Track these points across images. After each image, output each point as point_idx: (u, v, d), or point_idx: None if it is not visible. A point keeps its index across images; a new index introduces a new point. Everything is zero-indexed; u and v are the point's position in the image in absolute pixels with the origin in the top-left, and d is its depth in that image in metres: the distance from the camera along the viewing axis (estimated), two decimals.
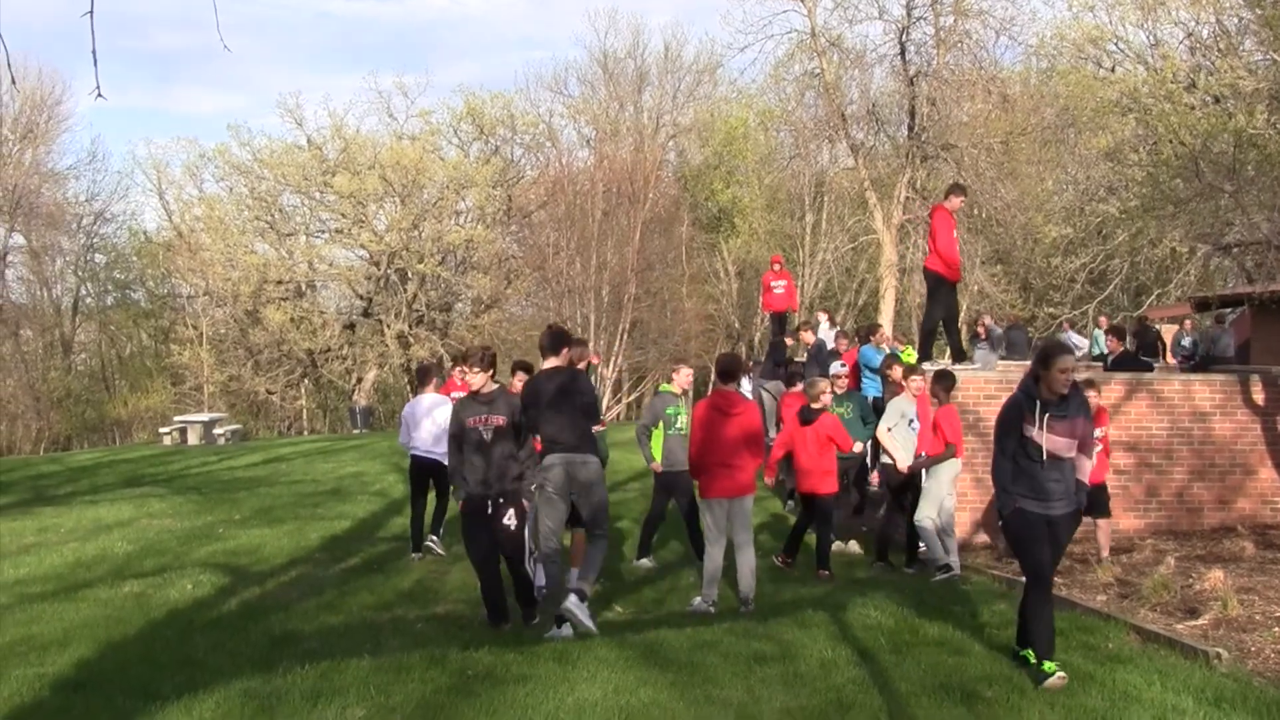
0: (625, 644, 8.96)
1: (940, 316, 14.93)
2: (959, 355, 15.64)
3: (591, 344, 40.71)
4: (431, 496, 13.54)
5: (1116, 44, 39.26)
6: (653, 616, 10.62)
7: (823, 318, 23.25)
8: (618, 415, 42.50)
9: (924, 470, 12.44)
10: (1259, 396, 14.73)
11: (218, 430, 33.27)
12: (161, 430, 34.92)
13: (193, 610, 10.68)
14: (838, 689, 7.79)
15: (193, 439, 31.64)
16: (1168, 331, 27.46)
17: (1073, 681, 7.88)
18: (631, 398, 46.51)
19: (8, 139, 44.85)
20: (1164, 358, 25.31)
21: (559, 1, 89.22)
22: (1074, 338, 24.39)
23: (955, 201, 14.68)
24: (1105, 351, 25.43)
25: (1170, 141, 35.09)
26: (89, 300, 53.09)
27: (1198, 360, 22.97)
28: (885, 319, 32.32)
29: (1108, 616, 9.87)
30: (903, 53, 35.07)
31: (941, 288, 14.59)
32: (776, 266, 24.36)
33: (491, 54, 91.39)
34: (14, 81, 5.09)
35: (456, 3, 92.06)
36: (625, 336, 42.25)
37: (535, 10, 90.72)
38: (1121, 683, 7.92)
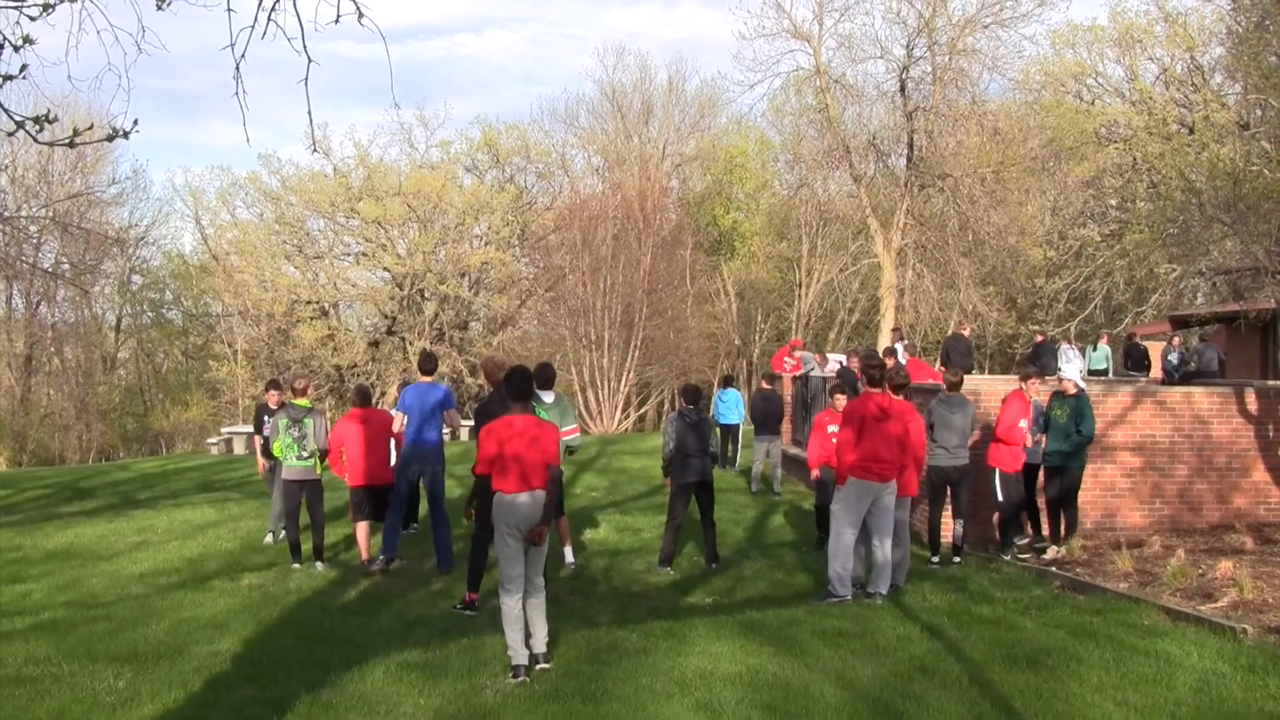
0: (721, 623, 9.99)
1: None
2: None
3: (605, 360, 42.75)
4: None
5: (1096, 79, 41.57)
6: (731, 601, 11.40)
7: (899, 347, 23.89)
8: (627, 429, 43.88)
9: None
10: (1253, 406, 15.45)
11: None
12: (209, 441, 36.06)
13: (318, 598, 11.45)
14: (918, 658, 8.82)
15: (238, 449, 33.24)
16: (1153, 348, 28.20)
17: (1121, 650, 8.96)
18: (639, 412, 47.84)
19: (58, 169, 46.72)
20: (1152, 372, 26.16)
21: (555, 41, 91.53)
22: (1070, 353, 25.85)
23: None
24: (1107, 366, 27.26)
25: (1148, 171, 37.40)
26: (128, 319, 54.61)
27: (1184, 374, 23.77)
28: (885, 339, 33.91)
29: (1136, 599, 10.68)
30: (903, 89, 36.91)
31: None
32: (796, 351, 24.68)
33: (494, 90, 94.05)
34: (76, 134, 6.17)
35: (455, 44, 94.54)
36: (636, 353, 43.77)
37: (534, 49, 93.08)
38: (1163, 652, 8.86)
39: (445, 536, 12.89)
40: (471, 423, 17.11)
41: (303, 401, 13.47)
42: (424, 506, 14.40)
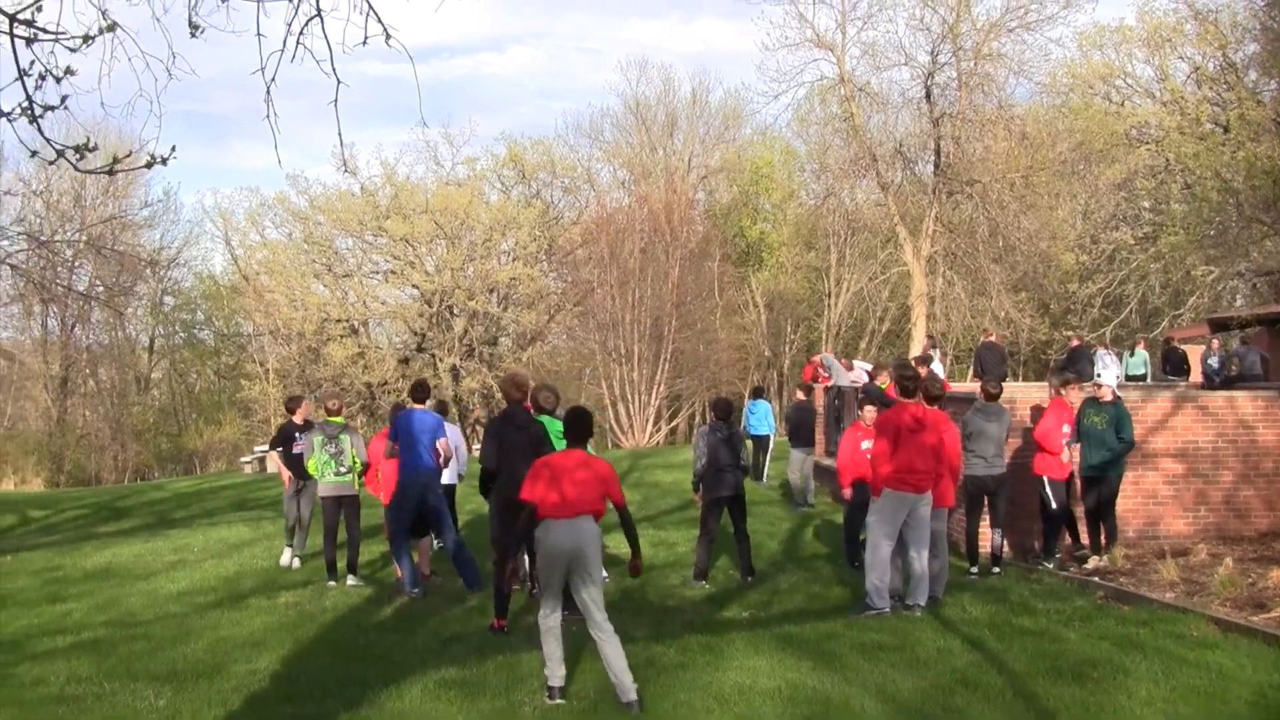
0: (758, 637, 9.93)
1: None
2: None
3: (635, 373, 42.72)
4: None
5: (1125, 80, 41.44)
6: (768, 615, 11.36)
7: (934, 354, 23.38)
8: (658, 442, 43.80)
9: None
10: None
11: None
12: (242, 460, 36.29)
13: (354, 616, 11.48)
14: (960, 671, 8.68)
15: (272, 468, 33.31)
16: (1192, 351, 27.63)
17: (1170, 663, 8.73)
18: (670, 425, 47.83)
19: (91, 193, 47.08)
20: (1191, 377, 25.65)
21: (573, 56, 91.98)
22: (1107, 358, 25.56)
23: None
24: (1145, 372, 27.00)
25: (1182, 172, 37.23)
26: (160, 340, 55.13)
27: (1226, 379, 23.20)
28: (917, 346, 33.79)
29: (1184, 610, 10.41)
30: (928, 95, 36.75)
31: None
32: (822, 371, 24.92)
33: (517, 106, 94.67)
34: (116, 162, 6.24)
35: (479, 62, 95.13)
36: (666, 366, 43.78)
37: (554, 65, 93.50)
38: (1215, 665, 8.63)
39: (463, 556, 12.78)
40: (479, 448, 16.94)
41: (337, 419, 13.49)
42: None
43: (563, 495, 8.01)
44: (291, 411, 15.54)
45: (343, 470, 13.16)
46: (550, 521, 8.02)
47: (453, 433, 14.53)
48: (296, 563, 14.71)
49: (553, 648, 8.12)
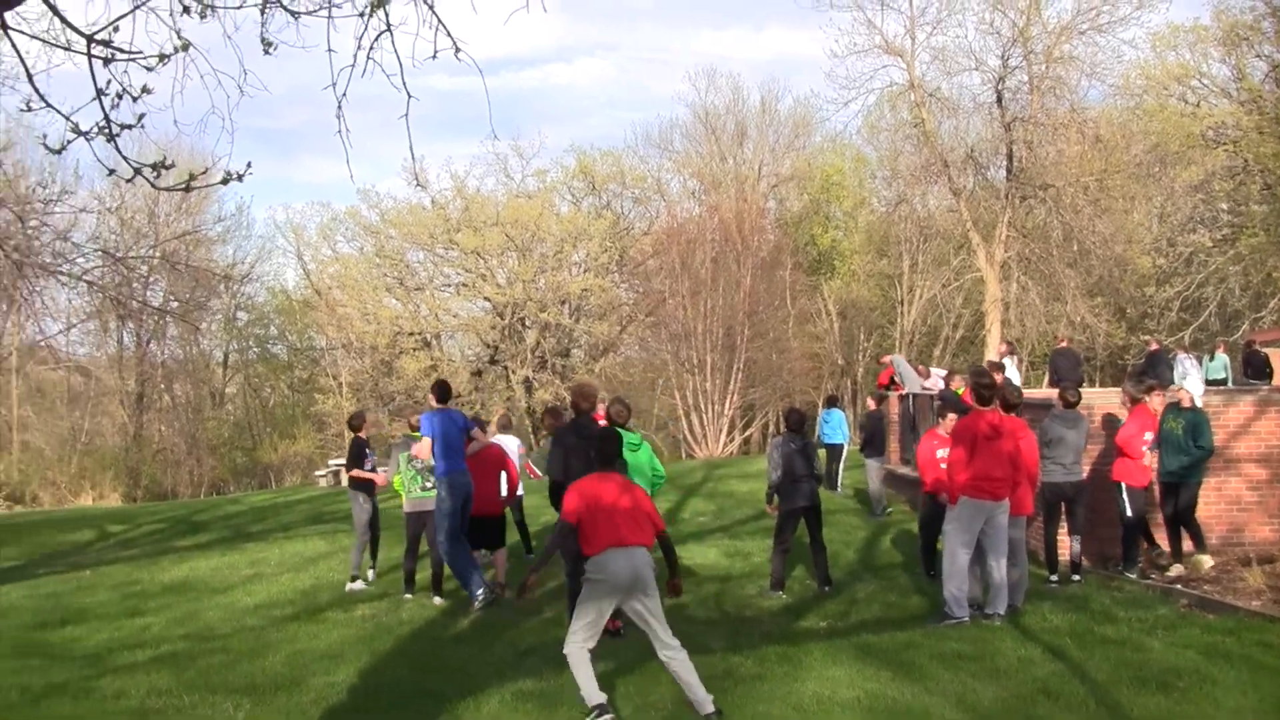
0: (836, 647, 9.82)
1: None
2: None
3: (708, 383, 42.68)
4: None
5: (1200, 80, 40.83)
6: (846, 624, 11.26)
7: (1009, 361, 23.39)
8: (732, 452, 43.68)
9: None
10: None
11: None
12: (317, 473, 36.48)
13: (430, 629, 11.47)
14: (1041, 680, 8.55)
15: (346, 481, 33.44)
16: (1274, 355, 27.06)
17: (1259, 672, 8.57)
18: (744, 435, 47.64)
19: (164, 210, 47.74)
20: (1274, 380, 25.22)
21: (644, 67, 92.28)
22: (1187, 363, 25.14)
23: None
24: (1226, 376, 26.59)
25: (1261, 172, 36.66)
26: (234, 355, 55.72)
27: None
28: (992, 353, 33.57)
29: (1272, 618, 10.27)
30: (999, 100, 36.60)
31: None
32: (888, 359, 24.85)
33: (586, 117, 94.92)
34: (193, 179, 6.28)
35: (547, 74, 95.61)
36: (739, 376, 43.66)
37: (623, 76, 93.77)
38: None
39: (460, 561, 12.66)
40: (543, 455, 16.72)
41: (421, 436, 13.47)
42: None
43: (616, 528, 7.89)
44: (357, 429, 15.16)
45: (428, 486, 13.09)
46: (609, 552, 7.87)
47: (512, 445, 14.52)
48: (359, 585, 14.34)
49: (588, 671, 7.90)
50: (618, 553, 7.85)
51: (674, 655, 7.85)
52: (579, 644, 7.90)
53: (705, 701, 7.77)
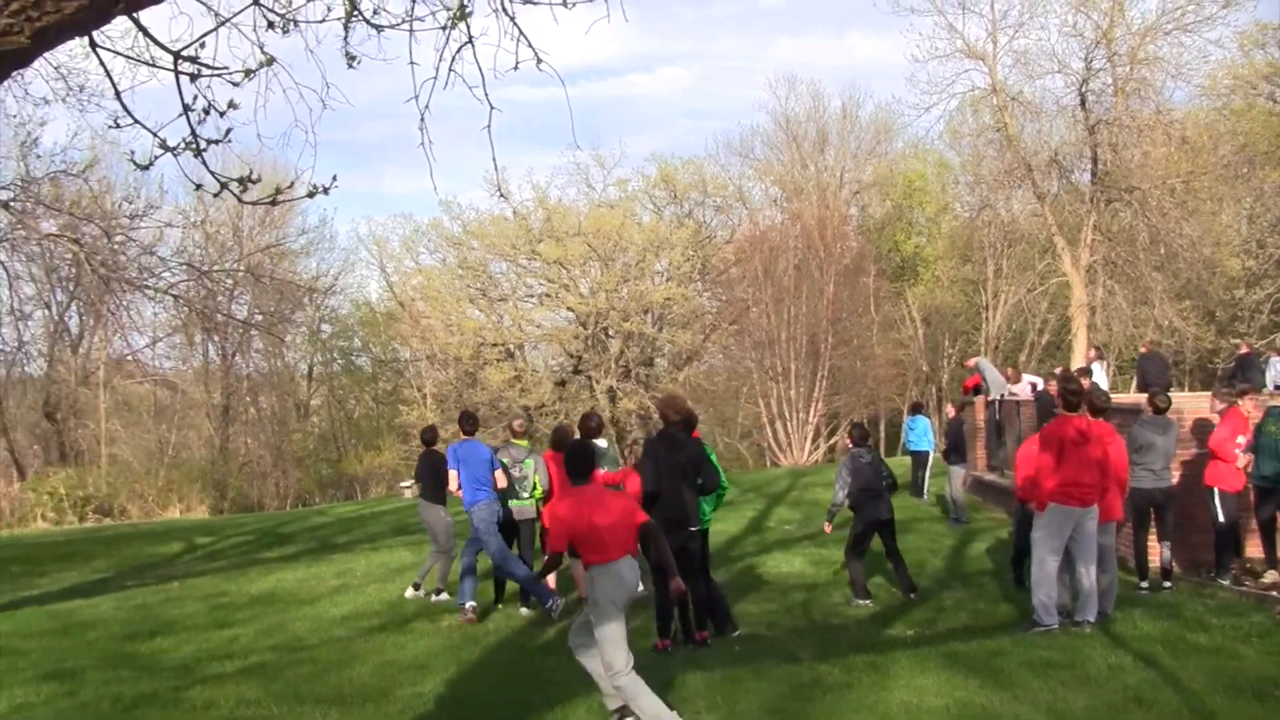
0: (924, 655, 9.66)
1: None
2: None
3: (793, 391, 42.59)
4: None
5: None
6: (933, 632, 11.32)
7: (1097, 366, 23.05)
8: (817, 460, 43.63)
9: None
10: None
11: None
12: (402, 485, 36.80)
13: (517, 638, 11.50)
14: (1133, 689, 8.35)
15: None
16: None
17: None
18: (829, 443, 47.39)
19: (248, 223, 48.43)
20: None
21: (724, 75, 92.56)
22: (1279, 364, 24.69)
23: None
24: None
25: None
26: (319, 367, 56.35)
27: None
28: (1079, 358, 33.23)
29: None
30: (1083, 102, 36.24)
31: None
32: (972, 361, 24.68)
33: (666, 126, 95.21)
34: (279, 193, 6.28)
35: (628, 84, 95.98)
36: (823, 383, 43.56)
37: (703, 84, 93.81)
38: None
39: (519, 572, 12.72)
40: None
41: (522, 443, 13.54)
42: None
43: (602, 546, 7.79)
44: (431, 444, 14.43)
45: (524, 495, 13.12)
46: (611, 565, 7.80)
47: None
48: (410, 592, 14.29)
49: (649, 695, 7.70)
50: (620, 563, 7.84)
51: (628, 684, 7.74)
52: (623, 666, 7.72)
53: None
